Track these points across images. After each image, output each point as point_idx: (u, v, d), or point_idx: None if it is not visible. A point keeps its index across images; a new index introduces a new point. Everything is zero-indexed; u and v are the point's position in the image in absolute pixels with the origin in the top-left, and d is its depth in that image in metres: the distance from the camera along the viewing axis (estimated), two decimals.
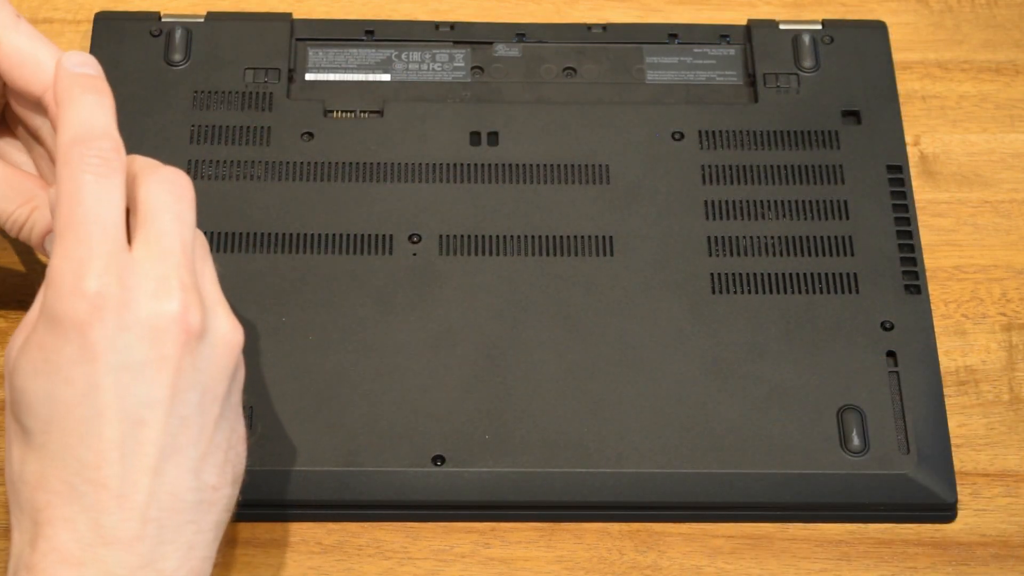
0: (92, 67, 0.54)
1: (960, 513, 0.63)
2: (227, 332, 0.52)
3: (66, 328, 0.49)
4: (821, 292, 0.66)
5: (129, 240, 0.52)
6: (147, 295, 0.50)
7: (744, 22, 0.75)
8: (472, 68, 0.73)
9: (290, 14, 0.74)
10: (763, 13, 0.77)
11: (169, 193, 0.53)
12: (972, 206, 0.71)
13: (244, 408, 0.55)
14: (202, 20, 0.73)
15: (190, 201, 0.53)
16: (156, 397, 0.50)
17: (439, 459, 0.62)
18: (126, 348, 0.50)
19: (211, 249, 0.55)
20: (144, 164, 0.54)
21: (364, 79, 0.72)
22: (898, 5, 0.77)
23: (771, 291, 0.66)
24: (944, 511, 0.63)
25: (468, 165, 0.69)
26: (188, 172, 0.66)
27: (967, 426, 0.65)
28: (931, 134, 0.73)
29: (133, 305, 0.50)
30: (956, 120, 0.74)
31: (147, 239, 0.51)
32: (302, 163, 0.69)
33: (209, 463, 0.52)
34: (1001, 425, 0.65)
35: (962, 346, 0.67)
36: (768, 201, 0.69)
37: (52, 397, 0.50)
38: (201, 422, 0.51)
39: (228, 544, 0.62)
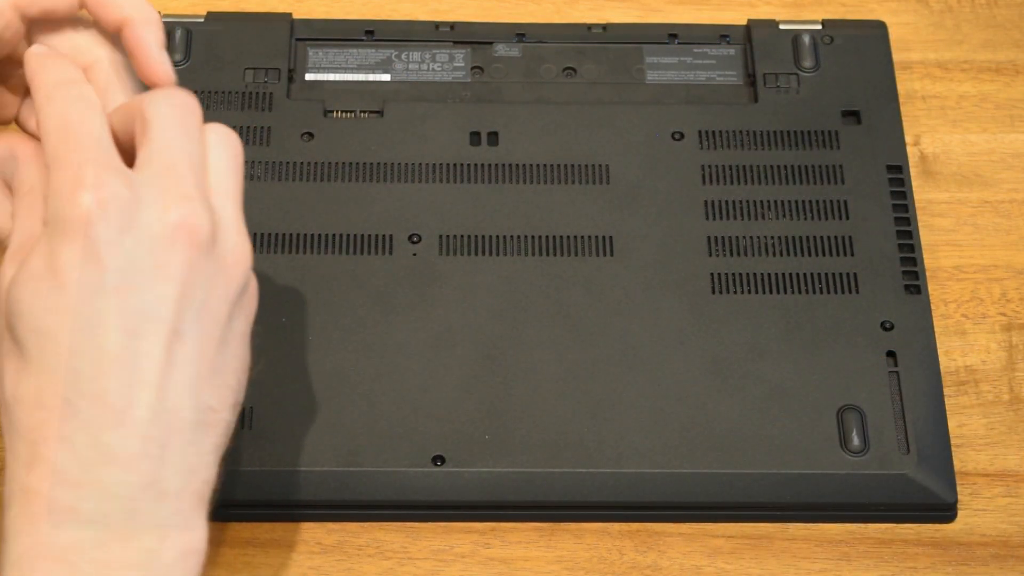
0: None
1: (960, 513, 0.63)
2: (235, 249, 0.51)
3: (69, 228, 0.48)
4: (821, 292, 0.66)
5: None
6: (151, 201, 0.49)
7: (744, 22, 0.75)
8: (472, 68, 0.73)
9: (290, 14, 0.74)
10: (763, 13, 0.77)
11: (172, 107, 0.52)
12: (972, 206, 0.71)
13: (243, 407, 0.54)
14: (202, 20, 0.73)
15: (194, 115, 0.52)
16: (158, 309, 0.49)
17: (439, 459, 0.62)
18: (129, 252, 0.48)
19: None
20: (148, 91, 0.53)
21: (364, 79, 0.72)
22: (898, 5, 0.77)
23: (771, 291, 0.66)
24: (944, 511, 0.63)
25: (468, 165, 0.69)
26: None
27: (967, 426, 0.65)
28: (931, 134, 0.73)
29: (138, 209, 0.49)
30: (956, 120, 0.74)
31: (150, 155, 0.50)
32: (302, 163, 0.69)
33: (208, 384, 0.50)
34: (1001, 425, 0.65)
35: (962, 346, 0.67)
36: (768, 201, 0.69)
37: (50, 305, 0.48)
38: (202, 341, 0.50)
39: (228, 544, 0.62)
